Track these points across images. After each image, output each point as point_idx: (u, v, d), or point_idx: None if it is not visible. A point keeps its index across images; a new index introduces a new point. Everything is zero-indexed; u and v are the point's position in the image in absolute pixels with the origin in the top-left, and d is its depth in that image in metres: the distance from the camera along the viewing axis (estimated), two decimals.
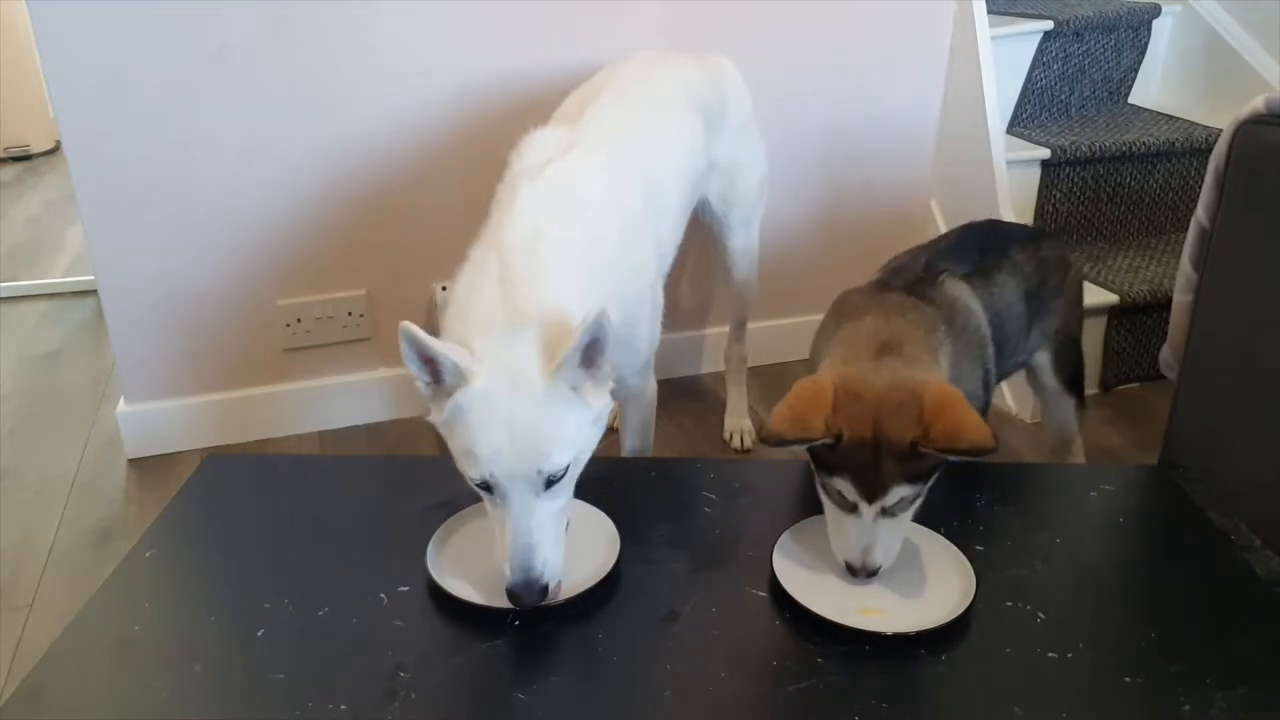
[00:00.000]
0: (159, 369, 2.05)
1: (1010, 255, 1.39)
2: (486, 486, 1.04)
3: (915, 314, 1.20)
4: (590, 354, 1.05)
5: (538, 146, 1.37)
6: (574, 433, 1.05)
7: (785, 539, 1.12)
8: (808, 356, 1.31)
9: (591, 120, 1.43)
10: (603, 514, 1.16)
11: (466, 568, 1.09)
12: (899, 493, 1.03)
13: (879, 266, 1.39)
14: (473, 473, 1.03)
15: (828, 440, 1.02)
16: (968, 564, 1.08)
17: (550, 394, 1.03)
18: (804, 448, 1.06)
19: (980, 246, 1.37)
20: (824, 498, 1.09)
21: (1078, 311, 1.53)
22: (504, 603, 1.01)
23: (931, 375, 1.10)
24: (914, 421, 1.01)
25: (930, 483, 1.06)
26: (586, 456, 1.09)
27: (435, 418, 1.07)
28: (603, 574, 1.07)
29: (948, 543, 1.12)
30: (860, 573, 1.06)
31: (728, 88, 1.75)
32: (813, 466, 1.08)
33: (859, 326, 1.18)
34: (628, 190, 1.36)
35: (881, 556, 1.05)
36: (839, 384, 1.05)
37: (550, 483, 1.03)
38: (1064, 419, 1.59)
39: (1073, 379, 1.55)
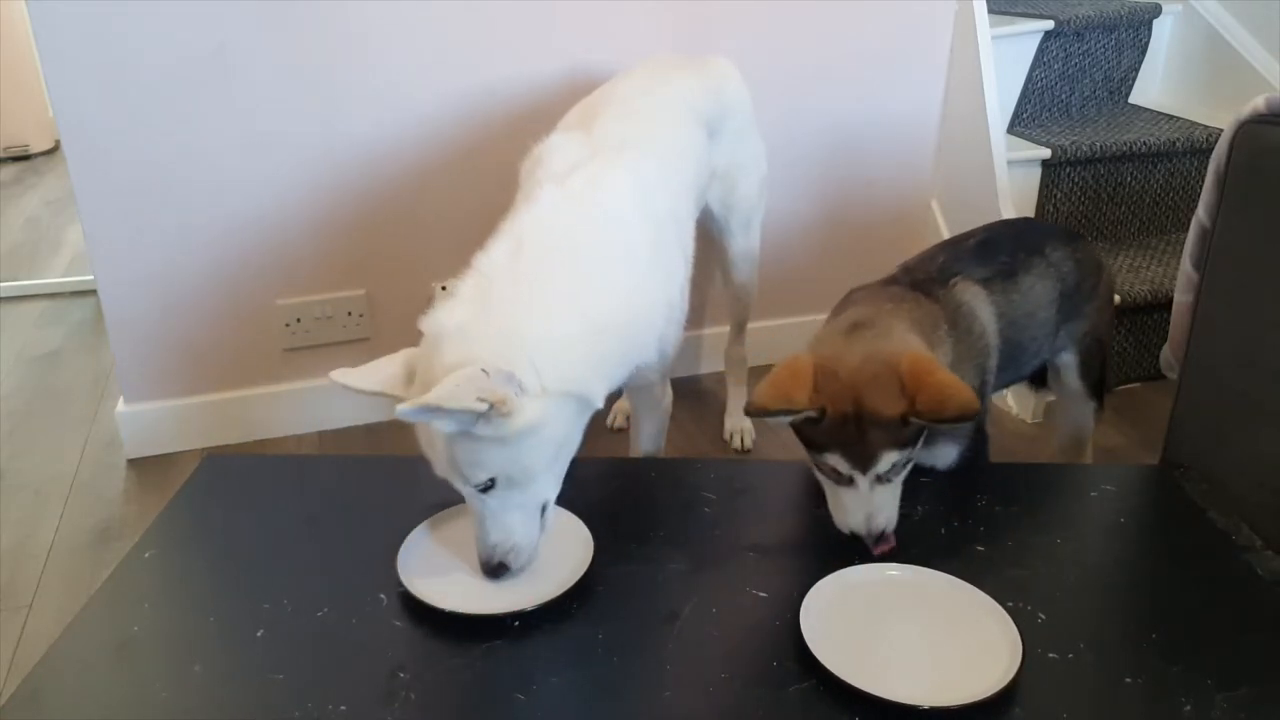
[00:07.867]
0: (158, 369, 2.05)
1: (1045, 254, 1.38)
2: None
3: (911, 305, 1.20)
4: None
5: (559, 153, 1.34)
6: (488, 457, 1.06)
7: (811, 600, 1.03)
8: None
9: (604, 130, 1.41)
10: (575, 517, 1.15)
11: (455, 573, 1.09)
12: (889, 459, 1.06)
13: (894, 263, 1.38)
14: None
15: (811, 414, 1.05)
16: (1011, 623, 0.99)
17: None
18: (792, 429, 1.09)
19: (1010, 247, 1.36)
20: (820, 476, 1.12)
21: (1107, 315, 1.53)
22: (494, 608, 1.02)
23: (907, 345, 1.11)
24: (898, 394, 1.04)
25: (919, 444, 1.10)
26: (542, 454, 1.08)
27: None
28: (575, 579, 1.06)
29: (990, 601, 1.03)
30: (869, 539, 1.08)
31: (726, 93, 1.73)
32: (804, 447, 1.11)
33: (843, 314, 1.20)
34: (655, 197, 1.35)
35: (885, 520, 1.09)
36: (816, 362, 1.08)
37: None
38: (1082, 421, 1.59)
39: (1097, 383, 1.54)
